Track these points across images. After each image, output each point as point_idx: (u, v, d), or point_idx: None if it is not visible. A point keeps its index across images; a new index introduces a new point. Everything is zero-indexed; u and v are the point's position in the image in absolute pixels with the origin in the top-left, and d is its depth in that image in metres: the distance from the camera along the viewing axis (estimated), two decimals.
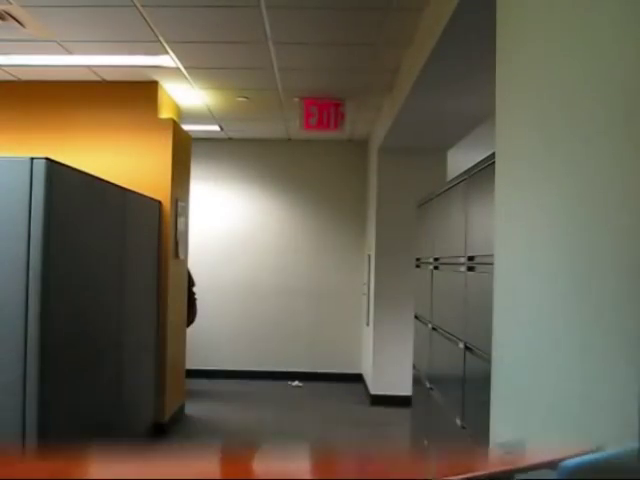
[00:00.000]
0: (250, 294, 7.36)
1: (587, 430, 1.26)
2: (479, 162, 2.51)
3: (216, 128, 6.84)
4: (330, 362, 7.36)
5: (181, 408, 5.62)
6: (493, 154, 2.11)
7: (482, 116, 4.73)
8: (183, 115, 6.01)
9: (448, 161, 6.20)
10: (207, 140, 7.25)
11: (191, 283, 6.74)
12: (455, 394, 2.87)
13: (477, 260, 2.54)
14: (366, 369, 6.93)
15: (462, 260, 2.77)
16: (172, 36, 4.11)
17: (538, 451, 1.17)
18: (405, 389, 4.68)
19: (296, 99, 5.51)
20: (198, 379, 6.76)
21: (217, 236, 7.45)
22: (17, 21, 3.79)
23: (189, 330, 6.62)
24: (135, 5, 3.58)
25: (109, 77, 5.03)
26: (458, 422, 2.71)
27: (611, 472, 0.94)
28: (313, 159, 7.49)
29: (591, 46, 1.31)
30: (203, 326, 6.98)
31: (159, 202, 4.97)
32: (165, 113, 5.31)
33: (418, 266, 4.21)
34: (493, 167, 2.07)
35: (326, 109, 5.50)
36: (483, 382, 2.14)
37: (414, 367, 4.23)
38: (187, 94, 5.51)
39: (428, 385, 3.57)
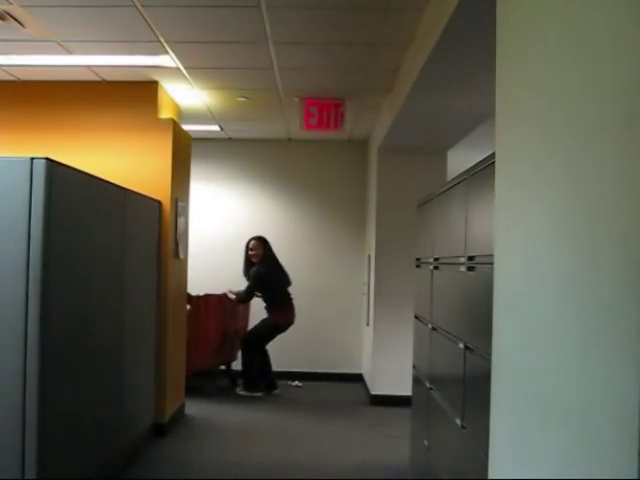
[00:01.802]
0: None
1: (587, 429, 1.26)
2: (479, 162, 2.51)
3: (216, 128, 6.84)
4: (330, 362, 7.36)
5: (181, 408, 5.62)
6: (493, 154, 2.11)
7: (482, 116, 4.73)
8: (183, 115, 6.01)
9: (448, 161, 6.20)
10: (207, 140, 7.25)
11: (287, 282, 6.67)
12: (455, 394, 2.87)
13: (477, 260, 2.54)
14: (366, 369, 6.93)
15: (462, 260, 2.77)
16: (172, 36, 4.11)
17: None
18: (405, 389, 4.68)
19: (296, 99, 5.51)
20: (199, 379, 6.76)
21: (217, 236, 7.45)
22: (17, 21, 3.79)
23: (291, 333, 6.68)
24: (135, 5, 3.58)
25: (109, 77, 5.03)
26: (458, 422, 2.71)
27: None
28: (313, 159, 7.49)
29: (592, 46, 1.31)
30: None
31: (159, 202, 4.97)
32: (165, 113, 5.31)
33: (418, 266, 4.21)
34: (493, 167, 2.07)
35: (326, 109, 5.50)
36: (483, 382, 2.14)
37: (414, 367, 4.23)
38: (187, 94, 5.51)
39: (428, 385, 3.57)
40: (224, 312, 6.51)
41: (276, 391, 6.64)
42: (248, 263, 6.63)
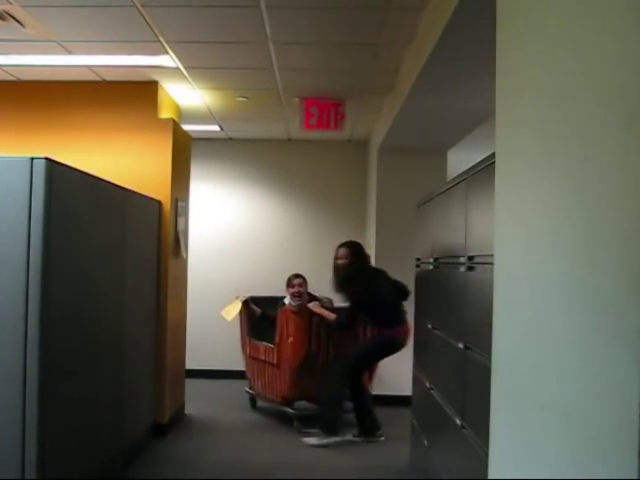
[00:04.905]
0: (250, 293, 7.35)
1: (587, 429, 1.26)
2: (479, 162, 2.51)
3: (216, 128, 6.84)
4: None
5: (181, 408, 5.62)
6: (493, 154, 2.11)
7: (482, 116, 4.73)
8: (183, 115, 6.01)
9: (448, 161, 6.20)
10: (207, 140, 7.25)
11: (402, 296, 5.07)
12: (455, 394, 2.87)
13: (477, 260, 2.54)
14: None
15: (462, 260, 2.77)
16: (172, 36, 4.11)
17: None
18: (405, 389, 4.68)
19: (296, 99, 5.51)
20: (198, 379, 6.75)
21: (217, 236, 7.46)
22: (17, 21, 3.79)
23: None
24: (135, 5, 3.58)
25: (109, 77, 5.03)
26: (458, 422, 2.71)
27: None
28: (313, 159, 7.49)
29: (592, 45, 1.31)
30: (203, 326, 6.98)
31: (159, 202, 4.97)
32: (165, 113, 5.30)
33: (418, 266, 4.21)
34: (493, 167, 2.07)
35: (326, 109, 5.50)
36: (483, 382, 2.14)
37: (414, 367, 4.23)
38: (187, 94, 5.51)
39: (428, 385, 3.57)
40: (309, 330, 5.24)
41: (379, 437, 5.04)
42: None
